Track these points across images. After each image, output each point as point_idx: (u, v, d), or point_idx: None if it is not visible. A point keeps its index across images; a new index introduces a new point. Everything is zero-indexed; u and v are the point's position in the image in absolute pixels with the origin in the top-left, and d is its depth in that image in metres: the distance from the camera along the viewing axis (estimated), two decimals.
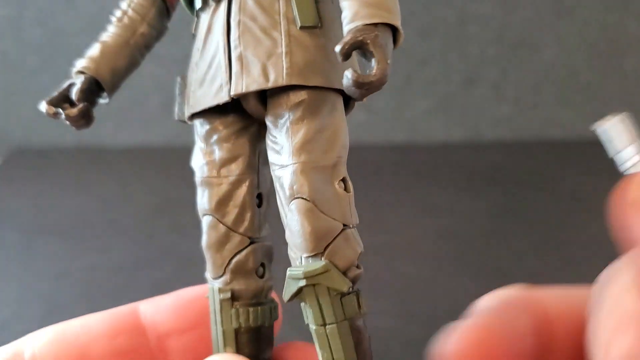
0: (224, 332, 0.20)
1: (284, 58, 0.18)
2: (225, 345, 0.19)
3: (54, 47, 0.82)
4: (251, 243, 0.20)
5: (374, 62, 0.17)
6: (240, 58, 0.19)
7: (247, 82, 0.18)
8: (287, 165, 0.18)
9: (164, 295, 0.24)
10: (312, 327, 0.18)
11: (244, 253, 0.20)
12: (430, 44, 0.81)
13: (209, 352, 0.22)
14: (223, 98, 0.19)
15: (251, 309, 0.20)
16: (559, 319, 0.21)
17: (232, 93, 0.19)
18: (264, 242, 0.21)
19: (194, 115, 0.21)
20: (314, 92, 0.19)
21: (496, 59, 0.82)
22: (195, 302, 0.23)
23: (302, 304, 0.18)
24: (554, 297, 0.21)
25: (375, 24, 0.17)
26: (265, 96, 0.20)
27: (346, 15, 0.17)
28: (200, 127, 0.21)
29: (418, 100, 0.82)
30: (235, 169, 0.20)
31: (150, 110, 0.86)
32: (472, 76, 0.83)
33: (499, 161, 0.79)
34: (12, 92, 0.84)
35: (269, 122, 0.19)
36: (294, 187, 0.18)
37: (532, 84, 0.84)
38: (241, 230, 0.20)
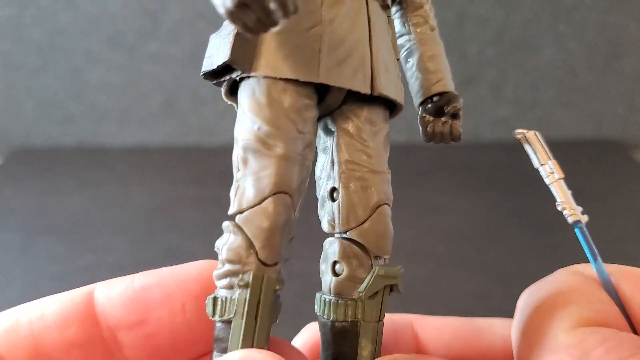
0: (268, 329, 0.18)
1: (399, 81, 0.22)
2: (266, 341, 0.18)
3: (55, 47, 0.82)
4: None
5: (459, 123, 0.23)
6: (384, 64, 0.21)
7: (385, 87, 0.20)
8: (380, 172, 0.20)
9: (118, 279, 0.22)
10: (369, 323, 0.19)
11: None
12: None
13: (160, 350, 0.21)
14: (365, 89, 0.20)
15: (279, 303, 0.19)
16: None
17: (378, 91, 0.20)
18: None
19: (292, 80, 0.18)
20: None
21: (495, 59, 0.83)
22: (145, 293, 0.22)
23: (365, 301, 0.19)
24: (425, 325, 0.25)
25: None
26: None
27: (437, 77, 0.23)
28: (297, 96, 0.18)
29: None
30: (310, 152, 0.19)
31: (151, 110, 0.86)
32: (471, 76, 0.83)
33: (499, 161, 0.79)
34: (13, 92, 0.84)
35: (361, 124, 0.20)
36: (386, 193, 0.21)
37: (531, 84, 0.84)
38: (296, 215, 0.19)
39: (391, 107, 0.22)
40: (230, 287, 0.18)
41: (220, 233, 0.19)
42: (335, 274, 0.20)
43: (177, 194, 0.73)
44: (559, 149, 0.24)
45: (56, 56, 0.83)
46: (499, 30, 0.82)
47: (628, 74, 0.84)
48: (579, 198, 0.21)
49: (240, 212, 0.18)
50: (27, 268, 0.59)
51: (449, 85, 0.23)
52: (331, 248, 0.20)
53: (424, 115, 0.23)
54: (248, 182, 0.18)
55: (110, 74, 0.84)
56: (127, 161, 0.83)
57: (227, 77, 0.19)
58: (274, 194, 0.18)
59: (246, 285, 0.18)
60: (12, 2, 0.80)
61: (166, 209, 0.70)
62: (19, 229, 0.66)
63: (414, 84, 0.23)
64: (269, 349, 0.18)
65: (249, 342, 0.17)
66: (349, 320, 0.19)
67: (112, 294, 0.22)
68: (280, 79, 0.18)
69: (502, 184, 0.74)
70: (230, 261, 0.18)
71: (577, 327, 0.18)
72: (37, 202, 0.71)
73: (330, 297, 0.19)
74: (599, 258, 0.20)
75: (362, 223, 0.20)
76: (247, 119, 0.19)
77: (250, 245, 0.18)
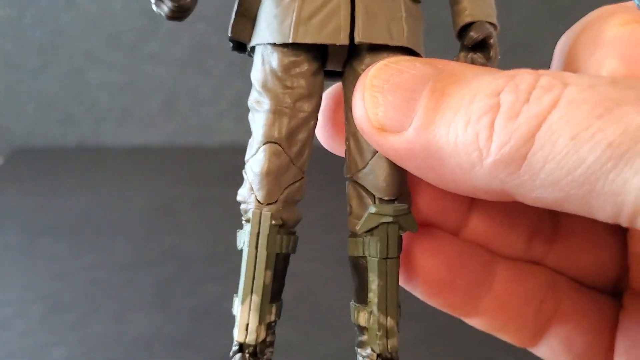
0: (267, 255, 0.21)
1: (404, 22, 0.21)
2: (266, 268, 0.20)
3: (55, 47, 0.82)
4: (302, 178, 0.22)
5: (491, 54, 0.21)
6: (367, 10, 0.21)
7: (373, 34, 0.20)
8: None
9: None
10: (374, 259, 0.21)
11: (297, 185, 0.21)
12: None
13: None
14: (341, 40, 0.20)
15: (291, 237, 0.21)
16: None
17: (359, 39, 0.20)
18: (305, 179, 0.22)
19: (279, 44, 0.21)
20: None
21: None
22: None
23: (367, 238, 0.21)
24: None
25: (492, 23, 0.21)
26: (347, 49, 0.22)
27: (467, 7, 0.21)
28: (282, 56, 0.21)
29: None
30: (308, 106, 0.21)
31: (151, 111, 0.86)
32: None
33: None
34: (14, 92, 0.85)
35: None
36: None
37: None
38: (299, 164, 0.21)
39: (412, 51, 0.21)
40: (244, 222, 0.21)
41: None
42: (348, 213, 0.22)
43: (177, 194, 0.73)
44: None
45: (56, 56, 0.83)
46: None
47: None
48: None
49: (246, 161, 0.22)
50: (28, 268, 0.59)
51: (477, 15, 0.21)
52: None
53: (458, 55, 0.22)
54: (252, 136, 0.22)
55: (110, 74, 0.84)
56: (127, 161, 0.83)
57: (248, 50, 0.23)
58: (264, 143, 0.21)
59: (248, 220, 0.21)
60: (13, 3, 0.80)
61: (166, 209, 0.70)
62: (19, 229, 0.66)
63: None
64: (273, 272, 0.20)
65: (251, 266, 0.20)
66: (360, 255, 0.21)
67: None
68: (268, 44, 0.21)
69: None
70: (241, 202, 0.21)
71: (628, 23, 0.18)
72: (37, 202, 0.72)
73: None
74: None
75: (363, 168, 0.21)
76: (252, 84, 0.22)
77: (251, 187, 0.21)
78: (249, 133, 0.21)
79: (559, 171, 0.14)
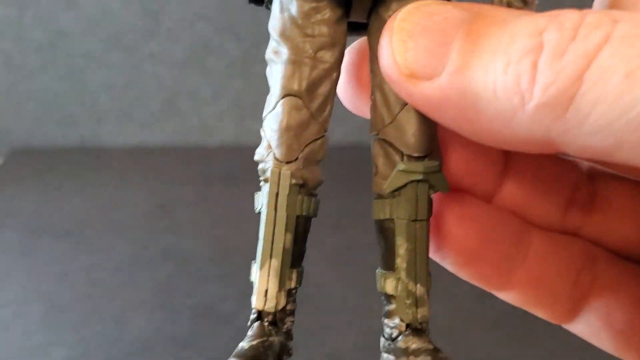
0: (287, 217, 0.19)
1: None
2: (286, 230, 0.19)
3: (55, 47, 0.82)
4: (323, 136, 0.20)
5: (523, 4, 0.20)
6: None
7: None
8: None
9: None
10: (403, 221, 0.19)
11: (318, 142, 0.20)
12: None
13: None
14: None
15: (313, 199, 0.20)
16: None
17: None
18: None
19: None
20: None
21: None
22: None
23: (395, 199, 0.19)
24: None
25: None
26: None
27: None
28: (302, 2, 0.20)
29: None
30: (330, 56, 0.20)
31: (151, 111, 0.86)
32: None
33: None
34: (13, 92, 0.85)
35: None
36: None
37: None
38: (320, 119, 0.20)
39: None
40: (262, 183, 0.20)
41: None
42: (373, 173, 0.20)
43: (177, 194, 0.73)
44: None
45: (56, 56, 0.83)
46: None
47: None
48: None
49: (264, 119, 0.20)
50: (27, 268, 0.59)
51: None
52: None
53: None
54: (270, 92, 0.20)
55: (110, 75, 0.84)
56: (127, 161, 0.83)
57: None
58: (283, 97, 0.19)
59: (266, 180, 0.20)
60: (13, 2, 0.80)
61: (166, 209, 0.70)
62: (19, 229, 0.66)
63: None
64: (294, 235, 0.19)
65: (270, 229, 0.19)
66: (386, 218, 0.20)
67: None
68: None
69: None
70: (258, 161, 0.20)
71: None
72: (37, 203, 0.72)
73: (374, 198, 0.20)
74: None
75: (390, 123, 0.20)
76: (270, 35, 0.20)
77: (269, 145, 0.20)
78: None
79: (610, 113, 0.13)
